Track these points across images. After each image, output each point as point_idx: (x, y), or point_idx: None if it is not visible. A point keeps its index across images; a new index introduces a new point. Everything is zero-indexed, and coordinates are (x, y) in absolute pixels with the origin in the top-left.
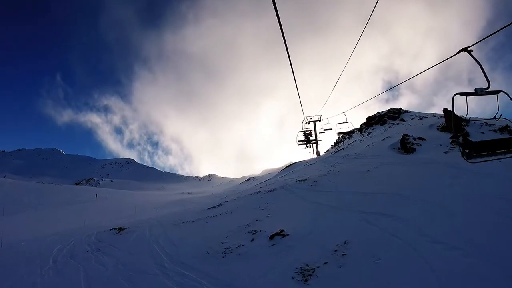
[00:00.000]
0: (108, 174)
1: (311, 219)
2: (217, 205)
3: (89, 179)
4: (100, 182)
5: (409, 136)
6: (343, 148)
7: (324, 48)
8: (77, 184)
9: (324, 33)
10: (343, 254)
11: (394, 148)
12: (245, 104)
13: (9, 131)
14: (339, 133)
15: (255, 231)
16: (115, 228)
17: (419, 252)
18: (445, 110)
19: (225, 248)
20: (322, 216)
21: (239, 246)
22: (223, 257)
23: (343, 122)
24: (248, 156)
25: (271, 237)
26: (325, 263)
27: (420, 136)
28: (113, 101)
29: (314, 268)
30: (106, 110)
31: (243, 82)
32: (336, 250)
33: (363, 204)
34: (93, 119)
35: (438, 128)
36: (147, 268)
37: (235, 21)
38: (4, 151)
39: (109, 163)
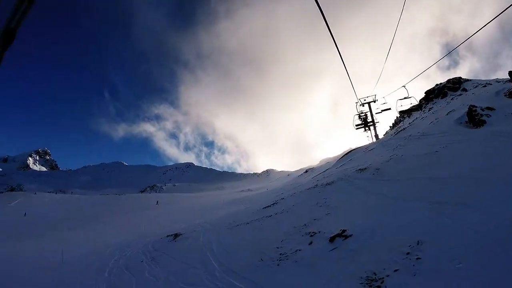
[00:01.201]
0: (170, 179)
1: (376, 215)
2: (273, 204)
3: (153, 186)
4: (163, 188)
5: (476, 107)
6: (404, 128)
7: (370, 17)
8: (142, 191)
9: (368, 1)
10: (416, 258)
11: (461, 123)
12: (293, 91)
13: (74, 152)
14: (401, 112)
15: (313, 232)
16: (171, 235)
17: (509, 253)
18: (511, 73)
19: (280, 254)
20: (388, 211)
21: (296, 251)
22: (278, 264)
23: (404, 98)
24: (304, 145)
25: (332, 239)
26: (395, 270)
27: (488, 105)
28: (162, 109)
29: (383, 277)
30: (157, 118)
31: (288, 69)
32: (408, 253)
33: (434, 193)
34: (147, 128)
35: (505, 95)
36: (198, 279)
37: (267, 7)
38: (71, 169)
39: (170, 169)
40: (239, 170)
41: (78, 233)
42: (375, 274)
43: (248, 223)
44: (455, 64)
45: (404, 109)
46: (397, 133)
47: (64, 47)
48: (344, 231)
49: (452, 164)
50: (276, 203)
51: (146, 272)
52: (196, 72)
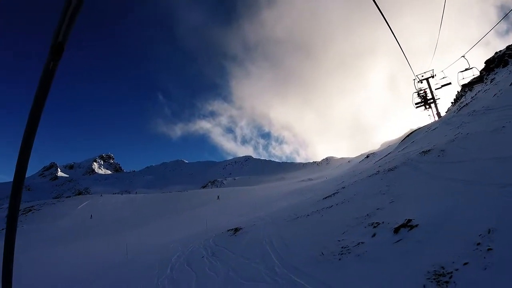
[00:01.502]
0: (230, 173)
1: (443, 202)
2: (333, 193)
3: (213, 181)
4: (224, 182)
5: None
6: (466, 104)
7: None
8: (203, 187)
9: None
10: (488, 249)
11: None
12: (348, 74)
13: (136, 154)
14: (462, 85)
15: (376, 223)
16: (231, 229)
17: None
18: None
19: (342, 247)
20: (455, 197)
21: (358, 244)
22: (340, 259)
23: (465, 70)
24: (363, 129)
25: (396, 230)
26: (465, 264)
27: None
28: (216, 105)
29: (452, 272)
30: (212, 114)
31: (340, 51)
32: (478, 244)
33: (505, 174)
34: (204, 125)
35: None
36: (258, 275)
37: None
38: (134, 171)
39: (229, 163)
40: (298, 160)
41: (143, 230)
42: (443, 268)
43: (308, 215)
44: None
45: (465, 82)
46: (459, 109)
47: (115, 56)
48: (409, 221)
49: None
50: (337, 193)
51: (207, 268)
52: (245, 65)
